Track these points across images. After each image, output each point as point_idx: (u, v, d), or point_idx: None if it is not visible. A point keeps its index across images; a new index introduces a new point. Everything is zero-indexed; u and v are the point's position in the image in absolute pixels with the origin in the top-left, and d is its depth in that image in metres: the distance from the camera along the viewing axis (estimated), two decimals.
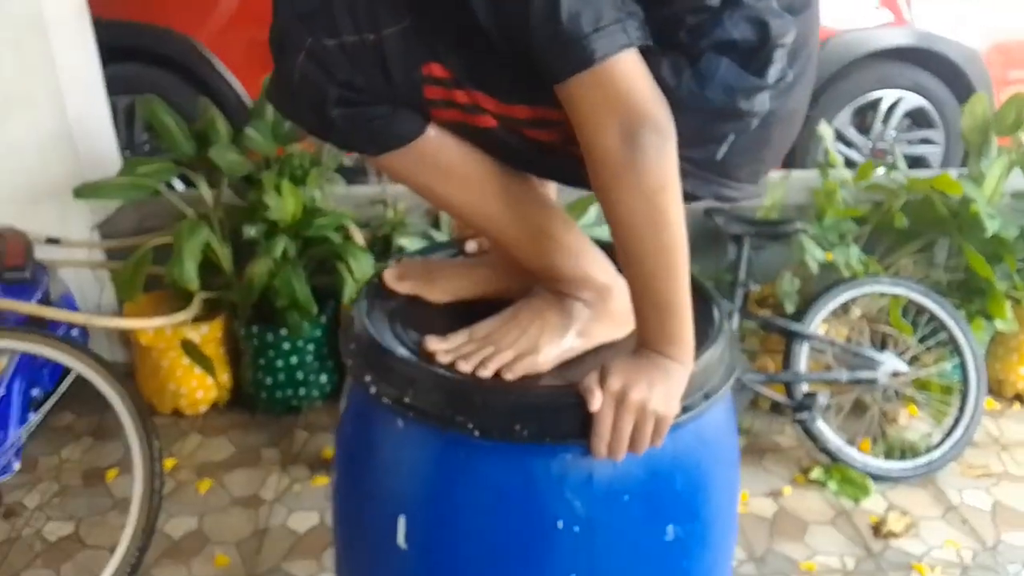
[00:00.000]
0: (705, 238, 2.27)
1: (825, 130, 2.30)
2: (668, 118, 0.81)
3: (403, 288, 1.08)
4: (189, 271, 1.97)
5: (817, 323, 2.09)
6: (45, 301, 2.00)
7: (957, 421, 2.08)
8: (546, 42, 0.79)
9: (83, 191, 2.05)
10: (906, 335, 2.13)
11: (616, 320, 1.00)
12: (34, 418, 1.84)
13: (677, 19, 0.83)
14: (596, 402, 0.83)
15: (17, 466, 1.85)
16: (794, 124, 0.95)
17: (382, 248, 2.25)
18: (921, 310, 2.14)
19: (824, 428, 2.04)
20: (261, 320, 2.20)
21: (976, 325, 2.17)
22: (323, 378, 2.30)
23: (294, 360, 2.22)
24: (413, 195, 1.06)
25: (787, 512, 1.96)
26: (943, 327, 2.11)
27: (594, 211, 2.19)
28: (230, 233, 2.18)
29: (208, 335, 2.23)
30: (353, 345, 0.98)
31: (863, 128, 3.26)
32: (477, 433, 0.85)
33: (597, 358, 0.96)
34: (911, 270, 2.26)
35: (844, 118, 3.20)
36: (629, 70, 0.80)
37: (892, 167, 2.31)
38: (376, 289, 1.07)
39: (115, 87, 2.61)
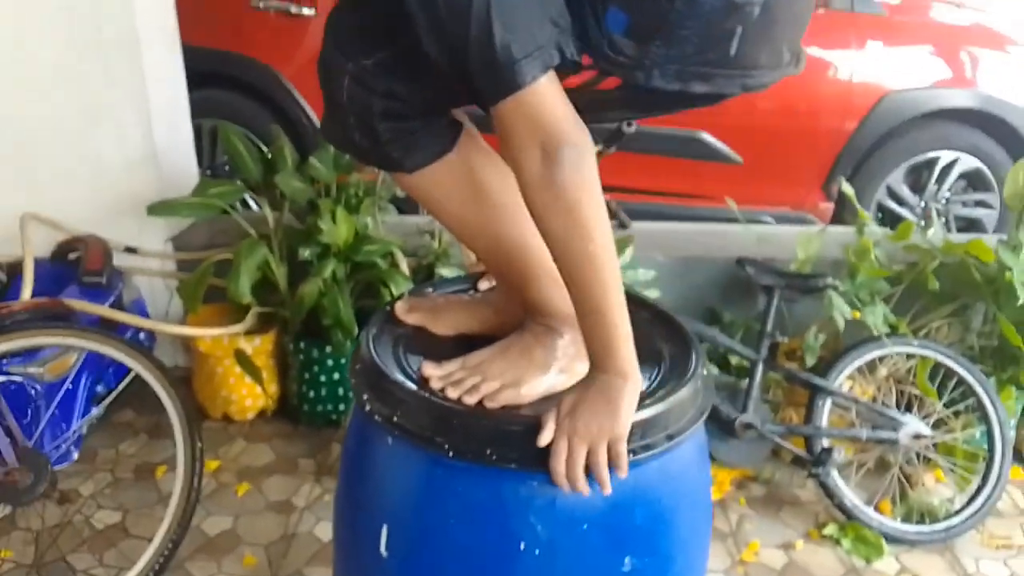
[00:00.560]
0: (736, 288, 2.33)
1: (848, 189, 2.33)
2: (584, 133, 0.91)
3: (411, 320, 1.19)
4: (244, 286, 2.13)
5: (842, 379, 2.12)
6: (118, 305, 2.19)
7: (980, 488, 2.07)
8: (480, 67, 0.88)
9: (157, 208, 2.25)
10: (931, 399, 2.14)
11: None
12: (96, 412, 2.02)
13: None
14: (546, 435, 0.92)
15: (76, 455, 2.02)
16: None
17: (425, 276, 2.37)
18: (950, 374, 2.14)
19: (840, 484, 2.06)
20: (309, 336, 2.35)
21: (1006, 394, 2.15)
22: None
23: (336, 376, 2.36)
24: None
25: (797, 566, 1.98)
26: (971, 392, 2.11)
27: (629, 252, 2.27)
28: (287, 254, 2.34)
29: (260, 347, 2.39)
30: (357, 365, 1.09)
31: (917, 187, 3.25)
32: (452, 454, 0.95)
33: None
34: (944, 333, 2.26)
35: (898, 176, 3.21)
36: (549, 93, 0.90)
37: (927, 228, 2.33)
38: (387, 317, 1.19)
39: (201, 110, 2.84)
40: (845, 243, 2.34)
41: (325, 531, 2.03)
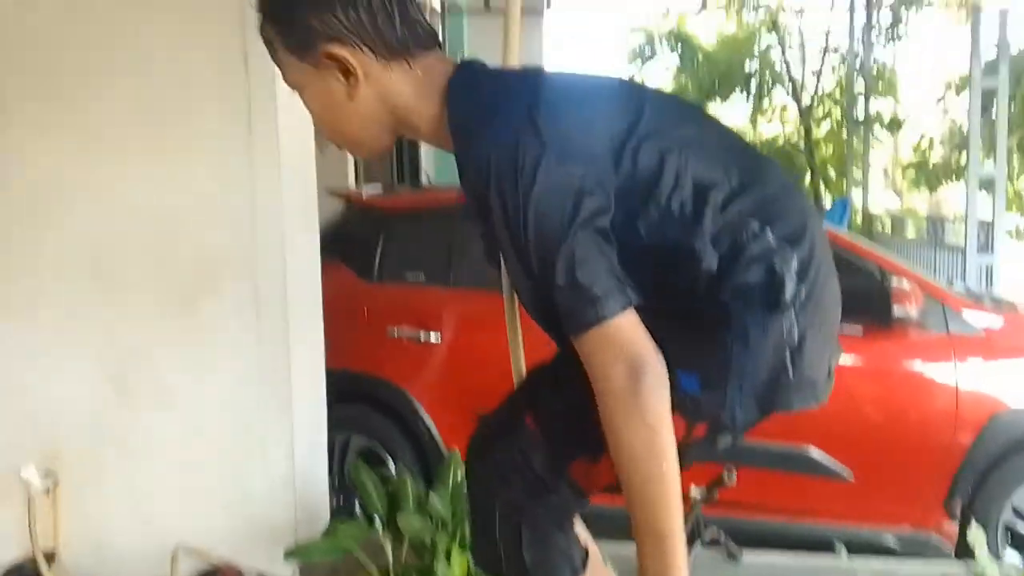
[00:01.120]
0: None
1: (978, 537, 2.29)
2: (663, 366, 1.04)
3: None
4: None
5: None
6: None
7: None
8: (566, 302, 1.05)
9: (294, 553, 2.46)
10: None
11: None
12: None
13: (689, 286, 1.11)
14: None
15: None
16: (831, 312, 1.22)
17: None
18: None
19: None
20: None
21: None
22: None
23: None
24: None
25: None
26: None
27: None
28: None
29: None
30: None
31: None
32: None
33: None
34: None
35: (1019, 500, 3.09)
36: (630, 325, 1.05)
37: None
38: None
39: (333, 424, 3.13)
40: None
41: None
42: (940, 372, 3.25)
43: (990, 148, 8.90)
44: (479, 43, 8.73)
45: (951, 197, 14.17)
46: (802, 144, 14.69)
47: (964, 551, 2.90)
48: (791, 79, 14.82)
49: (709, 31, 15.14)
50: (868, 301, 3.24)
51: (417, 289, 3.82)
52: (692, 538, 2.41)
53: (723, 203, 1.14)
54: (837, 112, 14.58)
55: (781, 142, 15.17)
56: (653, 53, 14.93)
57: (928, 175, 12.50)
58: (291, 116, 2.91)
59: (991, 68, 8.70)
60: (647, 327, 1.07)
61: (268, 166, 2.86)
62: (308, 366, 2.85)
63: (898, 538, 3.13)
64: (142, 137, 2.78)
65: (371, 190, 4.92)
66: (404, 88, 1.23)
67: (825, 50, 14.42)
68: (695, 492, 2.25)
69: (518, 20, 1.59)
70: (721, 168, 1.17)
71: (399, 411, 3.61)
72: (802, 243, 1.16)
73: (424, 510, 2.54)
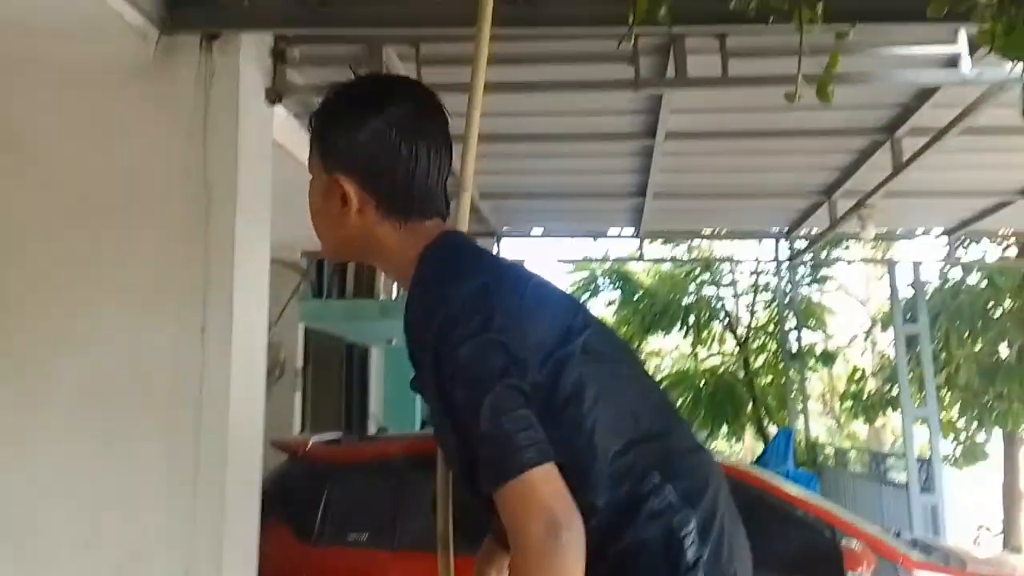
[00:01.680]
0: None
1: None
2: (581, 525, 1.04)
3: None
4: None
5: None
6: None
7: None
8: (489, 450, 1.07)
9: None
10: None
11: None
12: None
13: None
14: None
15: None
16: (741, 565, 1.20)
17: None
18: None
19: None
20: None
21: None
22: None
23: None
24: None
25: None
26: None
27: None
28: None
29: None
30: None
31: None
32: None
33: None
34: None
35: None
36: (552, 478, 1.06)
37: None
38: None
39: None
40: None
41: None
42: None
43: (919, 384, 9.29)
44: None
45: (890, 421, 14.54)
46: (741, 373, 15.11)
47: None
48: (727, 313, 15.55)
49: (647, 269, 16.01)
50: (818, 562, 3.21)
51: (359, 552, 3.66)
52: None
53: (624, 447, 1.19)
54: (772, 344, 15.20)
55: (721, 370, 15.58)
56: (597, 288, 15.62)
57: (865, 407, 12.86)
58: (240, 386, 2.95)
59: (910, 306, 9.32)
60: None
61: (214, 436, 2.85)
62: None
63: None
64: (89, 418, 2.77)
65: (316, 439, 4.84)
66: (388, 239, 1.33)
67: (755, 287, 15.29)
68: None
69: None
70: (632, 412, 1.23)
71: None
72: (703, 499, 1.19)
73: None
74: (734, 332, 15.42)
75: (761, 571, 1.26)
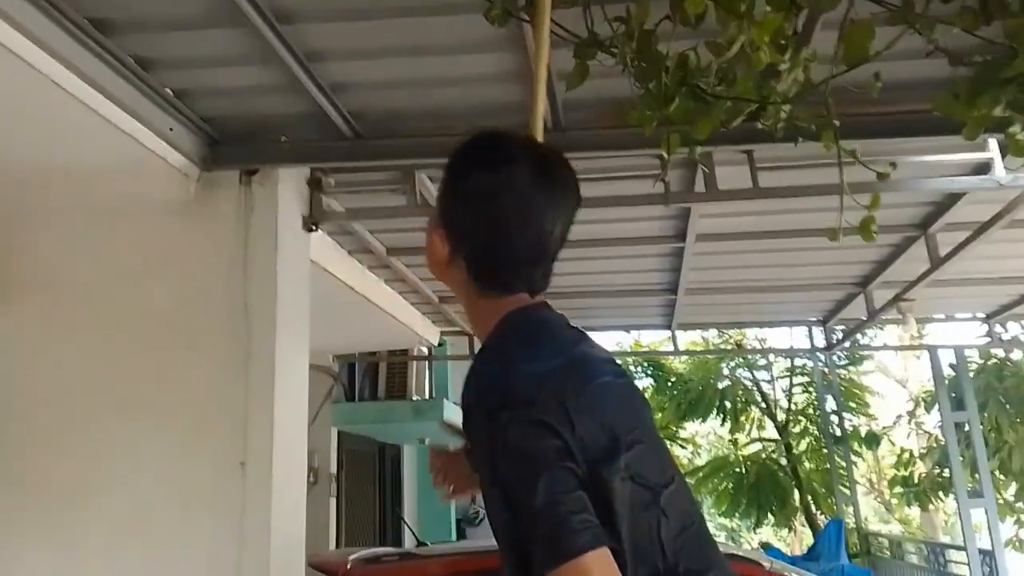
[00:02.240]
0: None
1: None
2: None
3: None
4: None
5: None
6: None
7: None
8: (544, 528, 1.05)
9: None
10: None
11: None
12: None
13: None
14: None
15: None
16: None
17: None
18: None
19: None
20: None
21: None
22: None
23: None
24: None
25: None
26: None
27: None
28: None
29: None
30: None
31: None
32: None
33: None
34: None
35: None
36: (608, 563, 1.06)
37: None
38: None
39: None
40: None
41: None
42: None
43: (972, 467, 8.95)
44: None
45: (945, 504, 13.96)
46: (783, 459, 14.69)
47: None
48: (763, 397, 15.24)
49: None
50: None
51: None
52: None
53: (663, 571, 1.18)
54: (813, 428, 14.81)
55: (763, 457, 15.17)
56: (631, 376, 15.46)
57: (918, 493, 12.40)
58: (280, 517, 2.91)
59: (953, 385, 9.04)
60: None
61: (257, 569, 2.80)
62: None
63: None
64: (129, 557, 2.74)
65: (355, 557, 4.74)
66: (468, 297, 1.39)
67: (792, 370, 15.01)
68: None
69: None
70: (660, 543, 1.21)
71: None
72: None
73: None
74: (773, 417, 15.08)
75: None
